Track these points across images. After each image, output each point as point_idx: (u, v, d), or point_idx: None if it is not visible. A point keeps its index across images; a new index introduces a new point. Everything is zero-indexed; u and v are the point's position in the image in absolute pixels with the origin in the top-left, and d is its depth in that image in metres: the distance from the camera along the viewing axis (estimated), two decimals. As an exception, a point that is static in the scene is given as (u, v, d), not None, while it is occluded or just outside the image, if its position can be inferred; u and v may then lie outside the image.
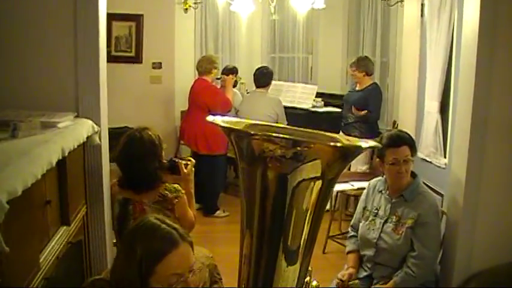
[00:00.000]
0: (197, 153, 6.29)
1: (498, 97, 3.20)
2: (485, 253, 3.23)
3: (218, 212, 6.32)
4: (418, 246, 3.18)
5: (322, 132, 1.98)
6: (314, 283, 2.07)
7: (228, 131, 1.84)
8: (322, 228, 5.31)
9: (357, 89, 6.30)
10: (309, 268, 1.97)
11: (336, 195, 5.72)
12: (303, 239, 1.81)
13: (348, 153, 1.82)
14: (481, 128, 3.20)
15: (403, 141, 3.26)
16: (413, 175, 3.36)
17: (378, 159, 3.37)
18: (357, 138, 2.19)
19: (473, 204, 3.26)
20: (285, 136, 1.75)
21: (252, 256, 1.86)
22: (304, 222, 1.79)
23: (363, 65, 6.18)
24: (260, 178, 1.75)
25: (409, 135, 3.37)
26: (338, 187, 5.13)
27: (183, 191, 3.26)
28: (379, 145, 2.18)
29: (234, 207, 6.35)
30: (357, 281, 3.39)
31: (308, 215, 1.77)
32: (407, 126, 5.10)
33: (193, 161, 3.49)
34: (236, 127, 1.87)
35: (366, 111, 6.03)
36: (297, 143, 1.72)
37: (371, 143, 1.95)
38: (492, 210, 3.28)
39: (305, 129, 1.99)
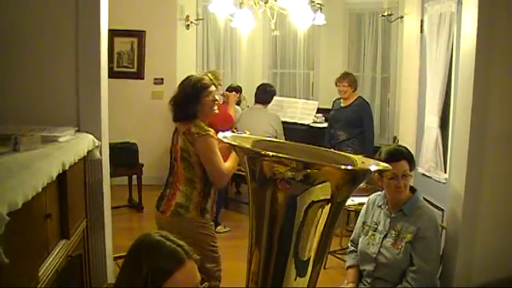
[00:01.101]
0: (198, 169, 6.30)
1: (496, 111, 3.22)
2: (485, 267, 3.24)
3: (219, 227, 6.28)
4: (417, 261, 3.17)
5: (338, 152, 1.98)
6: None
7: (241, 151, 1.85)
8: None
9: (342, 105, 6.28)
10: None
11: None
12: (310, 260, 1.81)
13: (357, 176, 1.83)
14: (480, 142, 3.23)
15: (402, 155, 3.27)
16: (413, 190, 3.36)
17: (376, 174, 3.37)
18: (368, 159, 2.18)
19: (472, 218, 3.27)
20: (296, 158, 1.75)
21: (259, 274, 1.86)
22: (312, 244, 1.79)
23: (353, 80, 6.20)
24: (270, 199, 1.77)
25: (407, 149, 3.38)
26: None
27: (212, 133, 3.44)
28: (390, 167, 2.17)
29: (235, 222, 6.35)
30: (356, 296, 3.39)
31: (316, 237, 1.78)
32: (407, 141, 5.11)
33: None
34: (248, 146, 1.88)
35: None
36: (308, 165, 1.72)
37: (381, 165, 1.96)
38: (492, 224, 3.29)
39: (317, 147, 2.00)
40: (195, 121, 3.49)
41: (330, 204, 1.73)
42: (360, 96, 6.31)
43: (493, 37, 3.16)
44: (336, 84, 6.31)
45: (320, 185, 1.68)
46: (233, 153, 3.48)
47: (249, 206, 1.88)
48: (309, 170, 1.67)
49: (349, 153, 5.33)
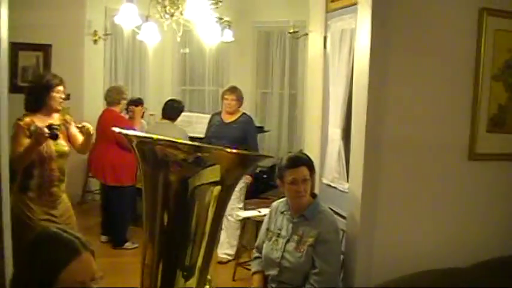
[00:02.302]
0: (105, 184, 6.23)
1: (390, 119, 3.38)
2: (383, 268, 3.36)
3: (127, 244, 6.21)
4: (319, 263, 3.27)
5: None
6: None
7: (133, 138, 1.87)
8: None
9: (226, 121, 6.02)
10: (208, 277, 2.00)
11: (244, 223, 5.74)
12: (202, 245, 1.85)
13: (246, 160, 1.92)
14: (375, 149, 3.37)
15: (301, 162, 3.40)
16: (313, 195, 3.48)
17: (278, 180, 3.47)
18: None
19: (370, 221, 3.40)
20: (187, 142, 1.82)
21: (153, 264, 1.88)
22: (204, 228, 1.83)
23: (241, 95, 6.02)
24: (162, 182, 1.80)
25: (307, 156, 3.51)
26: (246, 214, 5.19)
27: (21, 122, 3.77)
28: (273, 156, 2.29)
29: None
30: (262, 301, 3.44)
31: (207, 220, 1.82)
32: (312, 153, 5.21)
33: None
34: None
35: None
36: (199, 148, 1.80)
37: (267, 154, 2.04)
38: (389, 227, 3.43)
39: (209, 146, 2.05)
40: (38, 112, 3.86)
41: (219, 187, 1.80)
42: (244, 113, 6.11)
43: (387, 48, 3.32)
44: (223, 97, 6.05)
45: (210, 168, 1.76)
46: (25, 146, 3.68)
47: (142, 193, 1.91)
48: (199, 154, 1.74)
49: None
